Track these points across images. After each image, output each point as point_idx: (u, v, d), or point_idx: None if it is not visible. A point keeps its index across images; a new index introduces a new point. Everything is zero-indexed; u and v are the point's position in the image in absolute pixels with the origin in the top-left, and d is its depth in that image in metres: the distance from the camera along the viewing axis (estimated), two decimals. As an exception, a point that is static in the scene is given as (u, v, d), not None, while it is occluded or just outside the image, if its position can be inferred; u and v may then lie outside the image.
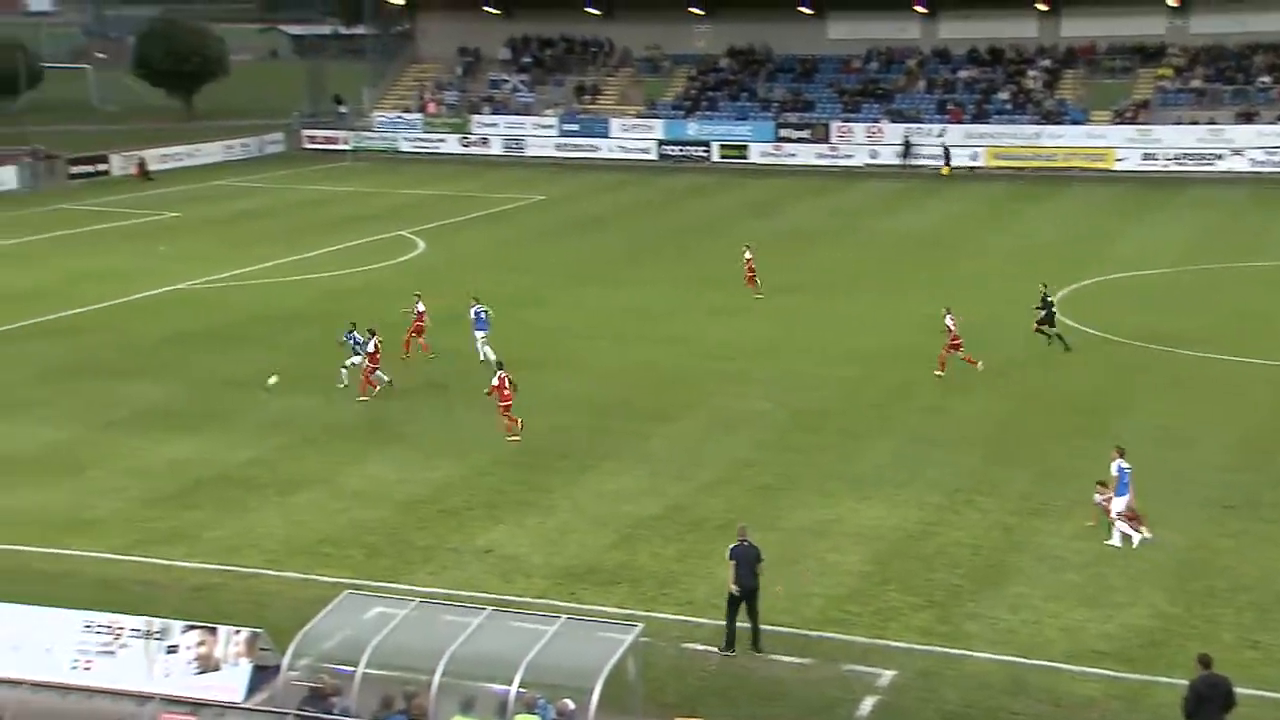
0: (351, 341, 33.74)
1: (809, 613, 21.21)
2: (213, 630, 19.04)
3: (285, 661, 17.44)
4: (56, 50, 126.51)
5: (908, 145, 74.07)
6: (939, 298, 37.41)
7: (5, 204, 62.81)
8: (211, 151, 79.97)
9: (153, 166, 73.40)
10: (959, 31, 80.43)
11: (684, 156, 78.34)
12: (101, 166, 72.87)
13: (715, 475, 27.49)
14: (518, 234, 56.16)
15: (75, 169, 71.41)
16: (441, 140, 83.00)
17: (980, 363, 33.77)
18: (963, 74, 79.20)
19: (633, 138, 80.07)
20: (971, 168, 72.60)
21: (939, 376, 33.53)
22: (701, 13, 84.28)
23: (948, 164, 72.41)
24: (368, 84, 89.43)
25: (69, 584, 22.40)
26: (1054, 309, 36.16)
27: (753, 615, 20.14)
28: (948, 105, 76.56)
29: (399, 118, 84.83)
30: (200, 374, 35.10)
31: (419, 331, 36.14)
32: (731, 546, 20.38)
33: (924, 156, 73.61)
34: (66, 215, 60.13)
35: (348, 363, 33.65)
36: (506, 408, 29.68)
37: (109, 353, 37.29)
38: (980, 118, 75.53)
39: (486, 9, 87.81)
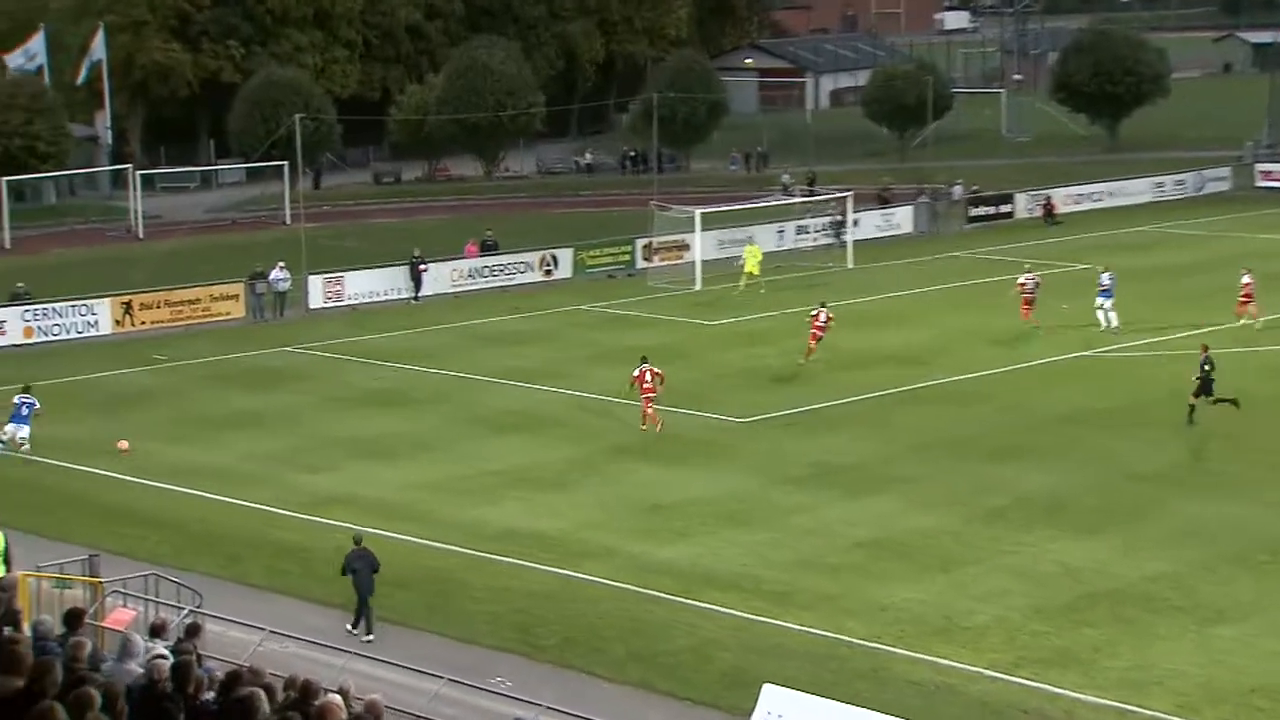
0: (23, 406, 33.28)
1: None
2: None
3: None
4: (969, 73, 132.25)
5: None
6: None
7: (898, 250, 65.96)
8: (1136, 190, 79.67)
9: (1062, 207, 74.40)
10: None
11: None
12: (1005, 207, 75.05)
13: None
14: None
15: (974, 210, 74.10)
16: None
17: None
18: None
19: None
20: None
21: None
22: None
23: None
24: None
25: (941, 699, 23.11)
26: (1210, 375, 36.66)
27: None
28: None
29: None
30: (1100, 460, 35.02)
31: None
32: None
33: None
34: (959, 264, 62.46)
35: (4, 430, 33.34)
36: (648, 399, 37.16)
37: (995, 427, 38.20)
38: None
39: None
